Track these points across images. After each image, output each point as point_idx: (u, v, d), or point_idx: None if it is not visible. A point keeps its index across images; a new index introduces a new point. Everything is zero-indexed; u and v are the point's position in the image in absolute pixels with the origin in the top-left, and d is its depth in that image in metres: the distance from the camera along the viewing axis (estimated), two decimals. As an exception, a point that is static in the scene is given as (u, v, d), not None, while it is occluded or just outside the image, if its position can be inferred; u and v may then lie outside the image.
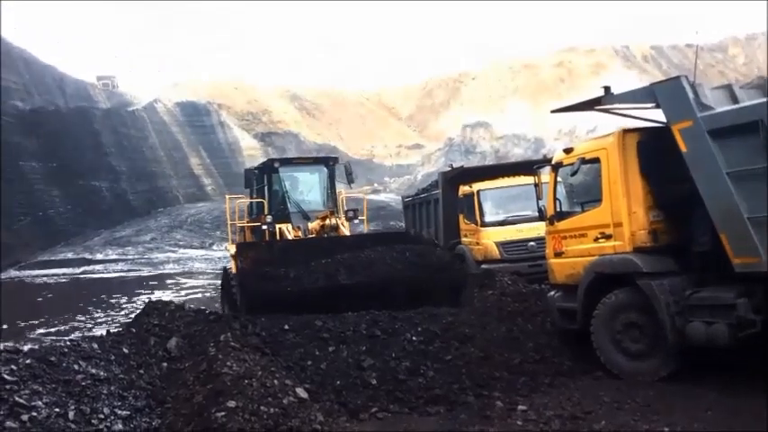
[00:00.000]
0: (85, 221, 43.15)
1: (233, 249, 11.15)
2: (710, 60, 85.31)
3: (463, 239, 14.08)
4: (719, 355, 6.74)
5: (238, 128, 71.65)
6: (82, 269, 31.60)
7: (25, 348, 6.59)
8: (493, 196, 13.42)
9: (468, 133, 71.16)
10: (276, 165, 13.17)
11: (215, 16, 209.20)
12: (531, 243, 12.31)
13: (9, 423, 5.14)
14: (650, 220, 7.23)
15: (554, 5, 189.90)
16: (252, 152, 66.39)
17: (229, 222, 13.15)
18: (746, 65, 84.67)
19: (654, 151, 7.26)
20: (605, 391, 6.76)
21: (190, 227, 44.80)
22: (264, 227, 12.06)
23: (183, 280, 25.40)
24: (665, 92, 6.88)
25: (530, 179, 10.21)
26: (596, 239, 7.65)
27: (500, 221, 13.11)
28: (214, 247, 37.50)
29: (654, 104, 7.12)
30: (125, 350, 7.29)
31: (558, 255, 8.28)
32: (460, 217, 14.11)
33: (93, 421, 5.62)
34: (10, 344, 6.88)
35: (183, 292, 21.22)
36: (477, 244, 13.35)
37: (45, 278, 28.58)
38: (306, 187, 13.34)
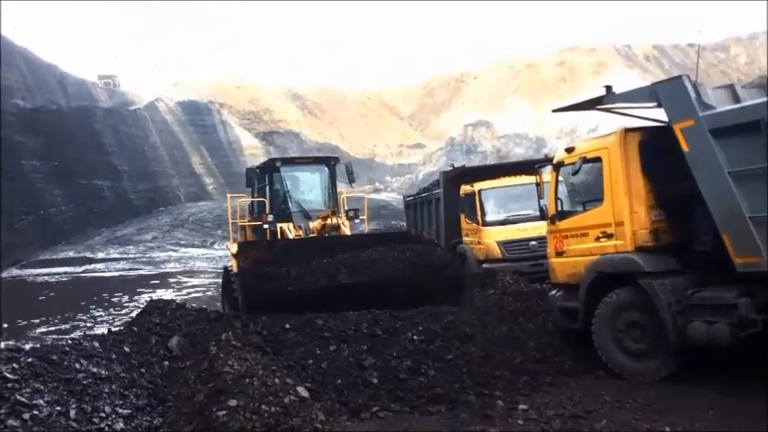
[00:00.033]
0: (87, 220, 43.11)
1: (234, 248, 11.18)
2: (712, 60, 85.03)
3: (464, 239, 14.08)
4: (720, 355, 6.73)
5: (240, 127, 71.50)
6: (83, 268, 31.58)
7: (27, 347, 6.62)
8: (494, 195, 13.44)
9: (469, 132, 71.09)
10: (277, 164, 13.21)
11: (215, 16, 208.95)
12: (533, 242, 12.31)
13: (11, 421, 5.15)
14: (652, 220, 7.23)
15: (555, 5, 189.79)
16: (253, 151, 66.25)
17: (230, 221, 13.19)
18: (748, 64, 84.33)
19: (655, 150, 7.25)
20: (606, 390, 6.74)
21: (191, 226, 44.74)
22: (266, 226, 12.08)
23: (185, 279, 25.43)
24: (667, 91, 6.88)
25: (531, 178, 10.20)
26: (598, 239, 7.64)
27: (501, 221, 13.13)
28: (215, 247, 37.49)
29: (655, 104, 7.11)
30: (126, 349, 7.31)
31: (559, 254, 8.28)
32: (462, 216, 14.12)
33: (94, 420, 5.63)
34: (11, 342, 6.92)
35: (184, 291, 21.26)
36: (479, 243, 13.36)
37: (46, 277, 28.58)
38: (307, 187, 13.36)
